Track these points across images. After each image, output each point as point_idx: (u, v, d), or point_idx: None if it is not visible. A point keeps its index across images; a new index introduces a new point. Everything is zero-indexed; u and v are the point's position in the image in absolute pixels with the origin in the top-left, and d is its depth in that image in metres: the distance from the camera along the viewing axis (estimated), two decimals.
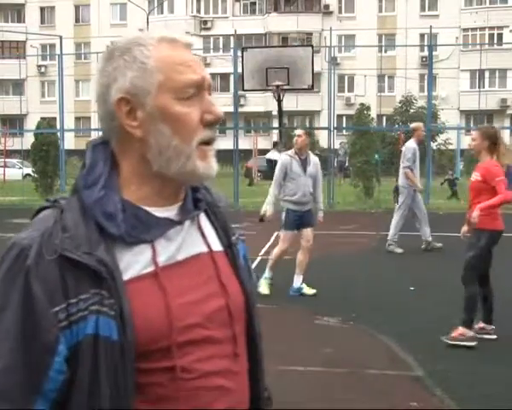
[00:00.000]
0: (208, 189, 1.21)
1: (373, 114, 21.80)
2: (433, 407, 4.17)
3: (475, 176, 5.37)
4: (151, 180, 1.08)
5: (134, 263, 1.03)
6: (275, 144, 15.69)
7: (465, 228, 5.47)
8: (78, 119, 42.11)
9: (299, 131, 7.25)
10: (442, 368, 4.79)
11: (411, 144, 9.83)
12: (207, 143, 1.08)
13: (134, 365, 0.99)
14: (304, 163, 7.08)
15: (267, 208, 7.35)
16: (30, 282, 0.97)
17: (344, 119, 37.06)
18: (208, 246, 1.14)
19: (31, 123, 34.55)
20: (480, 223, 5.20)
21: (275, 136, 31.60)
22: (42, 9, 46.21)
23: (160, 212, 1.08)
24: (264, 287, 7.13)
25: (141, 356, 1.00)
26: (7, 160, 27.29)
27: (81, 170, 1.09)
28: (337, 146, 18.66)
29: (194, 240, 1.13)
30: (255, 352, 1.20)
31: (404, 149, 10.03)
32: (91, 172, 1.07)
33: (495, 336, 5.47)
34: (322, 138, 31.31)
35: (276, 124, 25.80)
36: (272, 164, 14.75)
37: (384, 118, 36.25)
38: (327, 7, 42.61)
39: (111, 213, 1.03)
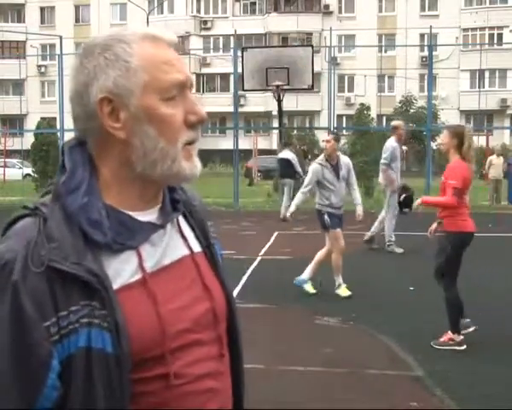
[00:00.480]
0: (182, 187, 1.18)
1: (373, 114, 21.84)
2: (433, 407, 4.17)
3: (443, 176, 5.41)
4: (133, 183, 1.04)
5: (121, 271, 1.00)
6: (287, 144, 15.83)
7: (433, 226, 5.51)
8: None
9: (327, 137, 7.23)
10: (442, 368, 4.79)
11: (390, 143, 9.77)
12: (190, 142, 1.05)
13: (129, 375, 0.96)
14: (336, 168, 7.08)
15: (292, 209, 7.49)
16: (18, 297, 0.92)
17: (344, 119, 37.06)
18: (189, 248, 1.12)
19: (31, 123, 34.57)
20: (445, 226, 5.27)
21: (275, 136, 31.60)
22: (42, 9, 46.23)
23: (141, 216, 1.05)
24: (343, 291, 7.10)
25: (134, 366, 0.97)
26: (7, 160, 27.29)
27: (60, 175, 1.04)
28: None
29: (176, 243, 1.10)
30: (237, 351, 1.20)
31: (384, 148, 10.02)
32: (73, 176, 1.02)
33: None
34: (322, 139, 31.34)
35: (276, 124, 25.80)
36: (284, 163, 14.71)
37: (384, 118, 36.25)
38: (327, 7, 42.62)
39: (96, 221, 0.99)
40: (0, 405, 0.92)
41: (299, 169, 14.70)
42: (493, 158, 18.37)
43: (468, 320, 5.44)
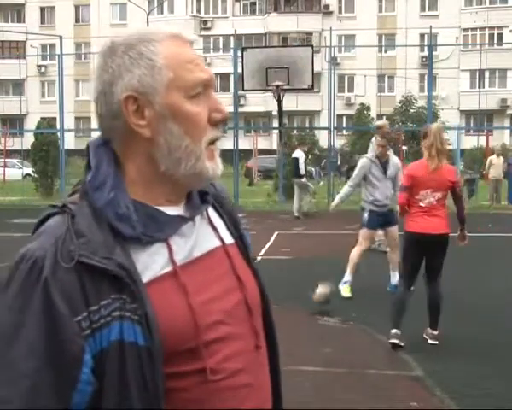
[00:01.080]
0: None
1: (373, 114, 21.85)
2: (433, 407, 4.17)
3: None
4: (158, 181, 1.04)
5: (151, 264, 1.00)
6: (300, 143, 16.11)
7: None
8: (78, 119, 42.10)
9: (380, 141, 7.21)
10: (442, 368, 4.79)
11: (372, 141, 9.77)
12: (213, 141, 1.06)
13: (162, 369, 0.96)
14: (384, 166, 7.10)
15: (336, 202, 7.66)
16: (49, 293, 0.92)
17: (344, 119, 37.07)
18: (221, 239, 1.11)
19: (31, 123, 34.57)
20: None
21: (275, 136, 31.58)
22: (42, 9, 46.23)
23: (168, 211, 1.05)
24: (345, 290, 7.10)
25: (168, 360, 0.97)
26: (7, 160, 27.29)
27: (86, 172, 1.05)
28: (337, 146, 18.67)
29: (207, 235, 1.10)
30: (272, 344, 1.18)
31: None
32: (98, 173, 1.03)
33: (436, 342, 5.35)
34: (322, 138, 31.32)
35: (276, 124, 25.81)
36: (297, 162, 14.88)
37: (384, 118, 36.20)
38: (327, 7, 42.62)
39: (124, 214, 0.99)
40: (37, 403, 0.91)
41: (302, 168, 14.82)
42: (493, 158, 18.37)
43: (398, 333, 5.29)
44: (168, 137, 1.02)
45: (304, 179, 15.07)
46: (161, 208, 1.04)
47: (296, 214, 14.97)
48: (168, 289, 1.00)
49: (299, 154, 15.09)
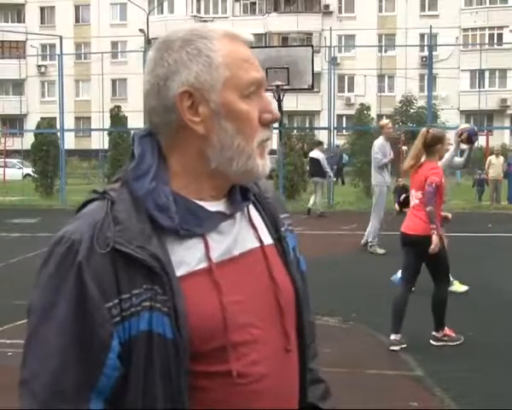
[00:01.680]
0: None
1: (373, 114, 21.81)
2: (433, 407, 4.17)
3: None
4: (205, 178, 1.05)
5: (187, 258, 1.00)
6: (318, 143, 16.25)
7: None
8: (78, 119, 42.10)
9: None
10: (442, 368, 4.79)
11: (379, 141, 9.74)
12: (264, 141, 1.06)
13: (188, 365, 0.96)
14: None
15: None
16: (83, 277, 0.94)
17: (344, 119, 37.06)
18: (260, 240, 1.10)
19: (31, 123, 34.54)
20: None
21: (275, 136, 31.58)
22: (42, 9, 46.23)
23: (210, 206, 1.05)
24: (457, 286, 7.07)
25: (195, 357, 0.97)
26: (7, 160, 27.27)
27: (129, 161, 1.05)
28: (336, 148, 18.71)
29: (247, 234, 1.09)
30: (303, 349, 1.17)
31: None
32: (141, 163, 1.03)
33: (436, 343, 5.33)
34: (322, 138, 31.31)
35: (275, 124, 25.79)
36: (315, 162, 15.16)
37: (384, 118, 36.21)
38: (327, 7, 42.62)
39: (164, 205, 0.99)
40: (62, 381, 0.93)
41: (327, 169, 15.16)
42: (492, 158, 18.37)
43: (399, 338, 5.28)
44: (222, 134, 1.02)
45: (325, 179, 15.44)
46: (202, 203, 1.04)
47: (321, 211, 15.34)
48: (201, 285, 1.00)
49: (317, 154, 15.34)
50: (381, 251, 9.85)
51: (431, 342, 5.35)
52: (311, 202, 15.53)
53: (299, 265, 1.25)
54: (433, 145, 5.16)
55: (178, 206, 1.01)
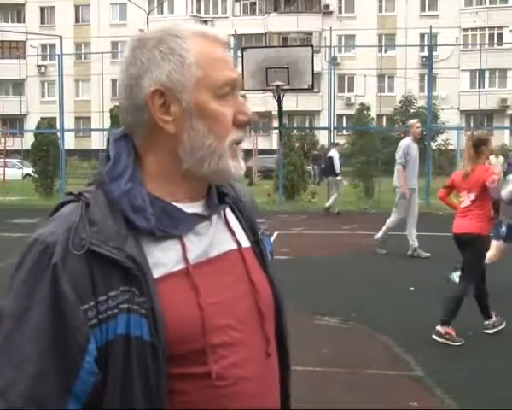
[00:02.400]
0: (231, 183, 1.17)
1: (373, 114, 21.82)
2: (433, 407, 4.17)
3: None
4: (178, 177, 1.04)
5: (163, 259, 0.99)
6: (335, 144, 16.46)
7: None
8: (78, 119, 42.12)
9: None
10: (442, 368, 4.79)
11: (403, 142, 9.63)
12: (237, 142, 1.05)
13: (166, 367, 0.95)
14: None
15: None
16: (58, 280, 0.92)
17: (344, 119, 37.06)
18: (237, 242, 1.10)
19: (31, 123, 34.53)
20: None
21: (275, 136, 31.57)
22: (42, 9, 46.23)
23: (186, 208, 1.04)
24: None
25: (173, 359, 0.96)
26: (7, 160, 27.28)
27: (104, 163, 1.04)
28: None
29: (223, 236, 1.09)
30: (284, 353, 1.16)
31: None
32: (116, 164, 1.02)
33: (439, 339, 5.40)
34: (323, 138, 31.32)
35: (276, 124, 25.81)
36: (330, 161, 15.52)
37: (384, 118, 36.23)
38: (327, 7, 42.62)
39: (139, 206, 0.99)
40: (40, 386, 0.91)
41: (337, 167, 15.44)
42: (492, 158, 18.36)
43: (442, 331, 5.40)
44: (192, 134, 1.01)
45: (339, 177, 15.68)
46: (179, 205, 1.03)
47: (336, 210, 15.56)
48: (179, 286, 0.99)
49: (333, 153, 15.67)
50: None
51: (433, 336, 5.36)
52: (330, 201, 15.80)
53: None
54: (478, 147, 5.42)
55: (154, 207, 1.00)
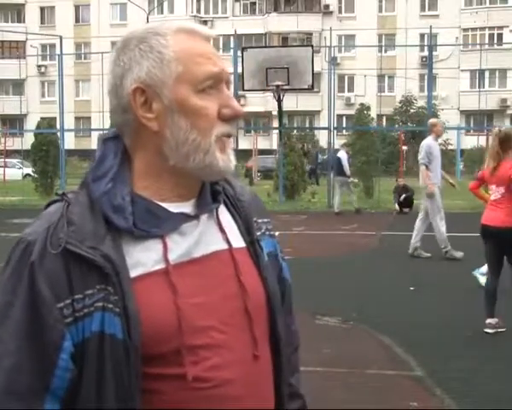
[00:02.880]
0: (230, 182, 1.16)
1: (373, 114, 21.83)
2: (433, 407, 4.17)
3: None
4: (166, 175, 1.03)
5: (143, 259, 0.99)
6: (342, 145, 16.72)
7: None
8: (78, 119, 42.12)
9: None
10: (442, 368, 4.79)
11: (426, 141, 9.36)
12: (225, 136, 1.04)
13: (140, 366, 0.95)
14: None
15: None
16: (34, 278, 0.95)
17: (344, 119, 37.06)
18: (228, 242, 1.08)
19: (31, 123, 34.54)
20: None
21: (275, 136, 31.57)
22: (42, 9, 46.23)
23: (174, 207, 1.03)
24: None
25: (149, 359, 0.96)
26: (7, 160, 27.29)
27: (91, 164, 1.05)
28: (337, 146, 18.68)
29: (212, 236, 1.07)
30: (278, 356, 1.13)
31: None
32: (101, 165, 1.03)
33: (490, 330, 5.56)
34: (322, 138, 31.31)
35: (276, 124, 25.80)
36: (340, 162, 15.70)
37: (384, 118, 36.25)
38: (327, 7, 42.62)
39: (119, 206, 0.99)
40: (17, 381, 0.94)
41: (346, 169, 15.60)
42: None
43: (496, 321, 5.57)
44: (175, 130, 1.01)
45: (349, 179, 15.92)
46: (166, 204, 1.03)
47: (337, 211, 15.62)
48: (156, 286, 0.99)
49: (342, 154, 15.81)
50: (458, 254, 9.12)
51: (486, 330, 5.52)
52: (354, 202, 16.06)
53: (282, 271, 1.23)
54: (506, 142, 5.52)
55: (137, 206, 1.01)
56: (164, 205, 1.03)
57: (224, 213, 1.12)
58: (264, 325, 1.10)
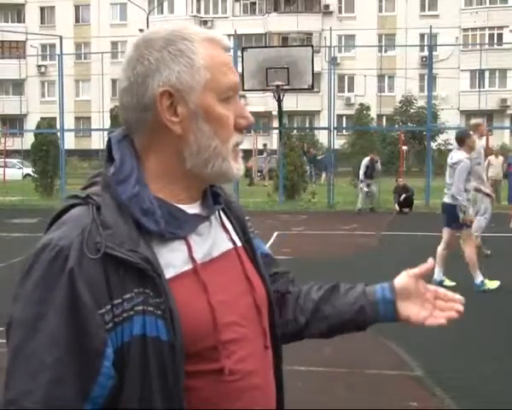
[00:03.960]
0: (219, 185, 1.19)
1: (373, 114, 21.87)
2: (433, 407, 4.17)
3: None
4: (180, 178, 1.05)
5: (173, 260, 1.01)
6: (374, 150, 17.09)
7: None
8: (78, 119, 42.12)
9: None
10: (442, 368, 4.79)
11: (480, 143, 8.88)
12: (238, 145, 1.09)
13: (183, 365, 0.97)
14: None
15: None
16: (75, 284, 0.92)
17: (344, 119, 37.07)
18: (233, 241, 1.13)
19: (31, 123, 34.56)
20: None
21: (275, 136, 31.58)
22: (42, 9, 46.23)
23: (187, 209, 1.06)
24: (489, 283, 7.29)
25: (188, 358, 0.97)
26: (7, 160, 27.29)
27: (106, 165, 1.04)
28: (337, 146, 18.72)
29: (221, 236, 1.12)
30: (276, 347, 1.19)
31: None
32: (122, 167, 1.02)
33: None
34: (322, 138, 31.31)
35: (276, 124, 25.82)
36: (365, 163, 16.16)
37: (384, 118, 36.26)
38: (327, 7, 42.62)
39: (148, 209, 1.00)
40: (57, 393, 0.91)
41: (378, 169, 16.26)
42: (492, 158, 18.35)
43: None
44: (199, 136, 1.03)
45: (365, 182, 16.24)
46: (180, 206, 1.05)
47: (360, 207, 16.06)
48: (189, 286, 1.01)
49: (366, 161, 16.27)
50: (487, 252, 9.35)
51: None
52: (371, 202, 16.40)
53: (273, 265, 1.35)
54: None
55: (162, 209, 1.02)
56: (180, 206, 1.05)
57: (222, 215, 1.17)
58: (266, 318, 1.16)
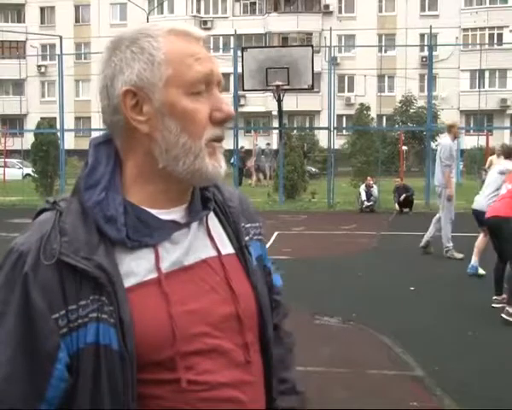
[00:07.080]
0: (219, 187, 1.16)
1: (373, 114, 21.85)
2: (433, 407, 4.17)
3: None
4: (156, 179, 1.03)
5: (136, 269, 0.99)
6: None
7: None
8: (78, 119, 42.10)
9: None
10: (442, 368, 4.79)
11: (447, 141, 9.37)
12: (216, 140, 1.04)
13: (135, 375, 0.96)
14: None
15: None
16: (28, 289, 0.94)
17: (344, 119, 37.05)
18: (217, 249, 1.08)
19: (31, 123, 34.54)
20: None
21: (275, 136, 31.57)
22: (42, 9, 46.20)
23: (164, 214, 1.03)
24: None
25: (144, 367, 0.97)
26: (7, 160, 27.28)
27: (83, 170, 1.04)
28: (337, 146, 18.70)
29: (202, 243, 1.07)
30: (267, 360, 1.15)
31: (439, 146, 9.61)
32: (93, 172, 1.02)
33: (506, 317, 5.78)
34: (322, 138, 31.29)
35: (276, 124, 25.81)
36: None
37: (384, 118, 36.23)
38: (327, 7, 42.61)
39: (111, 216, 0.99)
40: (10, 391, 0.94)
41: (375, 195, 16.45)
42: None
43: None
44: (166, 133, 1.00)
45: None
46: (158, 211, 1.03)
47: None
48: (150, 296, 0.99)
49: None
50: (459, 256, 9.07)
51: (502, 315, 5.76)
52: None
53: (271, 276, 1.25)
54: None
55: (129, 216, 1.00)
56: (155, 212, 1.03)
57: (213, 220, 1.12)
58: (255, 329, 1.11)
